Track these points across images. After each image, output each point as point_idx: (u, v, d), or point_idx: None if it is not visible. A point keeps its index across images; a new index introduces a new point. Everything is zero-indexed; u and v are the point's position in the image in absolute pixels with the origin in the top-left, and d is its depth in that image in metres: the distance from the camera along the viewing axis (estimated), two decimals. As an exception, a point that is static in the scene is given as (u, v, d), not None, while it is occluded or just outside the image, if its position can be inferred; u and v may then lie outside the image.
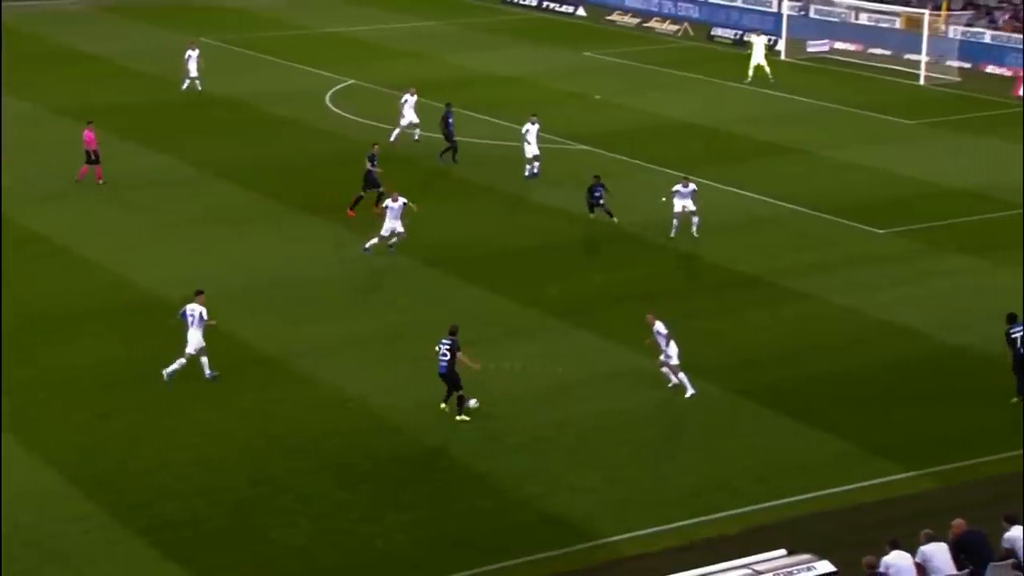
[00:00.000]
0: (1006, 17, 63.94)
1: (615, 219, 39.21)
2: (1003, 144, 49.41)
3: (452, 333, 27.92)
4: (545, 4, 77.91)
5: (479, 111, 50.54)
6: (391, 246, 36.70)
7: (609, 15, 75.00)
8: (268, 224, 39.93)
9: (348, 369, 30.09)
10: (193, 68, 55.37)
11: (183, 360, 28.96)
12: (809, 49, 65.12)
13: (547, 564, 22.83)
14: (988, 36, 62.93)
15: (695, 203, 38.19)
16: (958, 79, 59.95)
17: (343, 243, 38.08)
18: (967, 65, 61.36)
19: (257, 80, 58.27)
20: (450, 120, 45.09)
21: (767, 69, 59.06)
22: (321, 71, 60.37)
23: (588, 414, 28.16)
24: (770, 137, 50.06)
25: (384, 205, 36.99)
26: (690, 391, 28.55)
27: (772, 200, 42.28)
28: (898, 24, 66.21)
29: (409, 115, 47.45)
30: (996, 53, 61.92)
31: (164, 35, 68.22)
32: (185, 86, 55.60)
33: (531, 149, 44.01)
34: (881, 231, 39.47)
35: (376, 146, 41.64)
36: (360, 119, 51.96)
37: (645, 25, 73.13)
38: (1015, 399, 28.52)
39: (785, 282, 35.47)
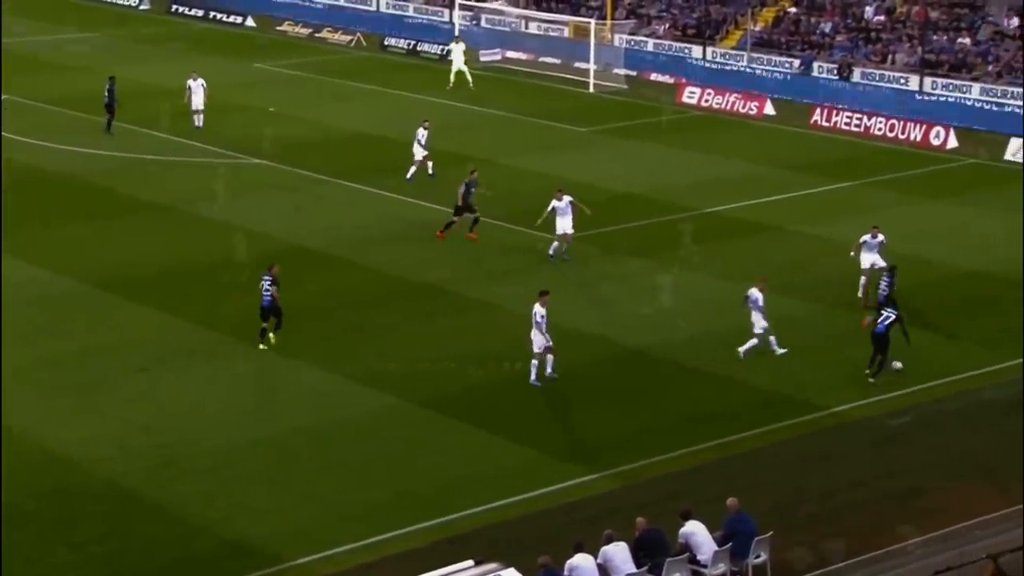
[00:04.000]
0: (666, 27, 66.26)
1: None
2: (668, 149, 51.06)
3: (269, 270, 30.52)
4: (212, 15, 76.16)
5: (145, 125, 48.92)
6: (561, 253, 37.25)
7: (280, 25, 73.88)
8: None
9: (8, 401, 28.26)
10: None
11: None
12: (482, 58, 65.71)
13: (231, 592, 22.08)
14: (651, 44, 65.05)
15: (883, 257, 34.04)
16: (625, 87, 61.61)
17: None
18: (633, 73, 63.22)
19: None
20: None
21: (468, 75, 59.55)
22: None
23: (269, 434, 27.42)
24: (446, 146, 49.93)
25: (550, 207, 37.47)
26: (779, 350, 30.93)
27: (449, 210, 42.23)
28: (567, 33, 67.73)
29: (197, 101, 48.69)
30: (659, 61, 64.07)
31: None
32: None
33: (419, 151, 44.41)
34: (557, 237, 40.03)
35: (475, 172, 39.39)
36: (16, 136, 49.32)
37: (317, 35, 72.38)
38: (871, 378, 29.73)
39: (465, 291, 35.44)
